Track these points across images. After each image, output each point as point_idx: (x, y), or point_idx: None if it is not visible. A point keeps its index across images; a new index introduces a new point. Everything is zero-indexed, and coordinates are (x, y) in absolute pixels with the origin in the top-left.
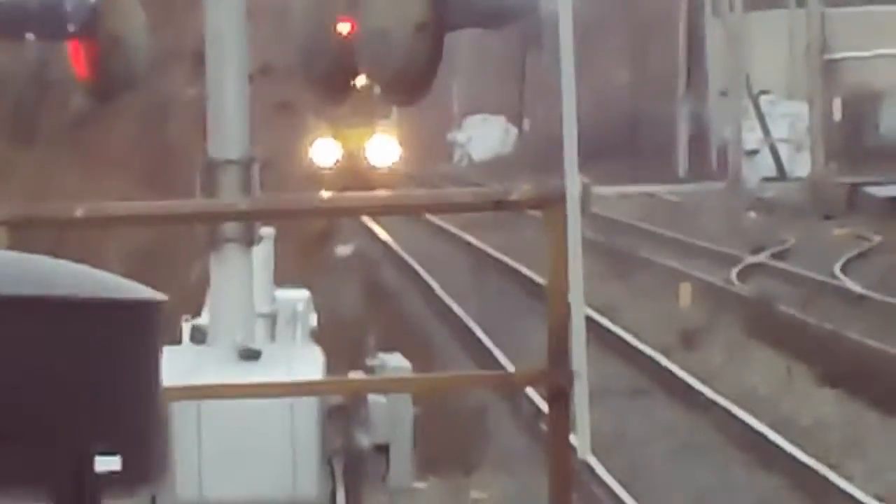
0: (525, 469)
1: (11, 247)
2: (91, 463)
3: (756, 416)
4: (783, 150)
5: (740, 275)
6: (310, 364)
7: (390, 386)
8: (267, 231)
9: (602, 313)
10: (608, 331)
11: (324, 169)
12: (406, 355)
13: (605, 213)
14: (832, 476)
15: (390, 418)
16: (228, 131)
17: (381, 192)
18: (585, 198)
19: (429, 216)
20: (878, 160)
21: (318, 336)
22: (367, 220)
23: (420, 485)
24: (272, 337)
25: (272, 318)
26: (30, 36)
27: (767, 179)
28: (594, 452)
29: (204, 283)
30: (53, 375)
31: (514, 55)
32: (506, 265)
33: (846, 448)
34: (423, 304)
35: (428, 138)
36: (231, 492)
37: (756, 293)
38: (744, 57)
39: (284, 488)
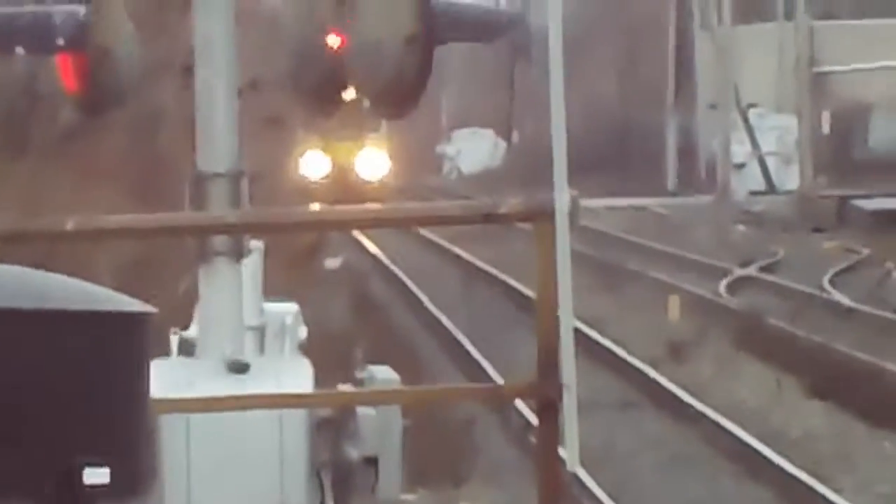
0: (514, 481)
1: (1, 260)
2: (80, 475)
3: (745, 428)
4: (772, 164)
5: (729, 287)
6: (299, 377)
7: (379, 398)
8: (256, 244)
9: (591, 326)
10: (597, 343)
11: (314, 182)
12: (395, 368)
13: (594, 225)
14: (821, 488)
15: (379, 431)
16: (218, 144)
17: (371, 206)
18: (574, 211)
19: (418, 229)
20: (866, 173)
21: (306, 349)
22: (356, 233)
23: (409, 497)
24: (261, 350)
25: (261, 331)
26: (19, 50)
27: (756, 192)
28: (583, 465)
29: (193, 296)
30: (43, 387)
31: (503, 68)
32: (495, 278)
33: (835, 460)
34: (412, 317)
35: (417, 151)
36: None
37: (745, 306)
38: (732, 70)
39: (273, 501)
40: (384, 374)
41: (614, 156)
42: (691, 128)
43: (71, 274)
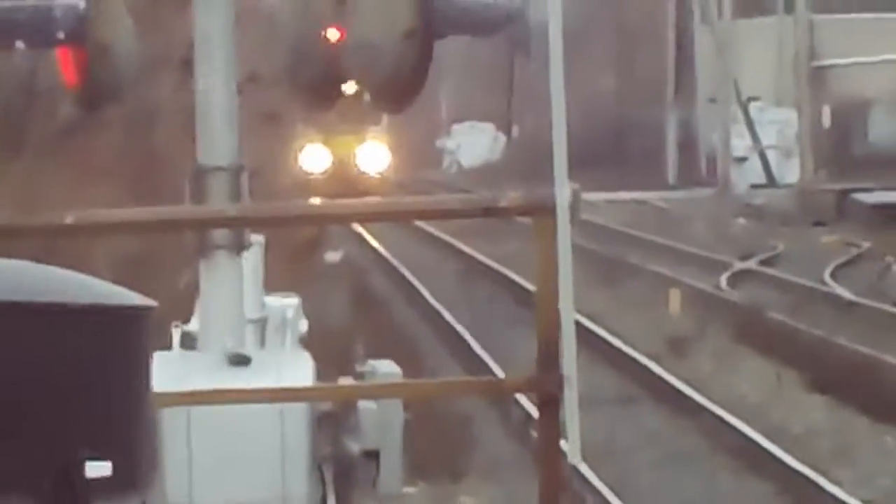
0: (515, 475)
1: (1, 254)
2: (81, 468)
3: (746, 422)
4: (772, 157)
5: (730, 281)
6: (299, 370)
7: (380, 392)
8: (256, 237)
9: (591, 320)
10: (598, 337)
11: (314, 175)
12: (396, 361)
13: (595, 219)
14: (822, 482)
15: (380, 424)
16: (217, 138)
17: (372, 199)
18: (575, 204)
19: (419, 223)
20: (866, 167)
21: (307, 342)
22: (357, 226)
23: (409, 490)
24: (262, 343)
25: (262, 325)
26: (19, 44)
27: (756, 186)
28: (584, 459)
29: (194, 290)
30: (44, 381)
31: (503, 62)
32: (496, 271)
33: (836, 454)
34: (413, 310)
35: (417, 145)
36: (221, 497)
37: (745, 299)
38: (732, 64)
39: (274, 494)
40: (385, 368)
41: (614, 150)
42: (691, 121)
43: (71, 268)
